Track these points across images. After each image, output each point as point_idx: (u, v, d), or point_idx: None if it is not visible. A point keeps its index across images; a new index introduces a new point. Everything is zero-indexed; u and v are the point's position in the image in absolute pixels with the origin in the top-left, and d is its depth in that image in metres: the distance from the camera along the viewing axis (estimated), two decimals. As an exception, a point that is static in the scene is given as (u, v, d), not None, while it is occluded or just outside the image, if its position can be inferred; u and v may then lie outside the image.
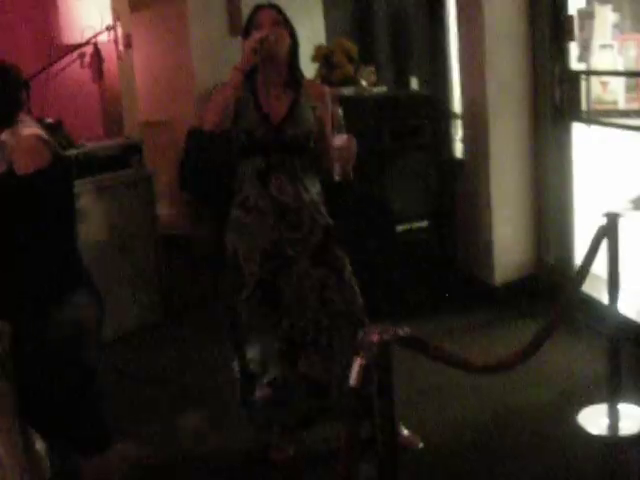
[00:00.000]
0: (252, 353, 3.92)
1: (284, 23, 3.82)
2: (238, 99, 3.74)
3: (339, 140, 3.74)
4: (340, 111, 3.91)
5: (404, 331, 2.59)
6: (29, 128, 3.08)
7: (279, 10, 3.86)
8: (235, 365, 4.05)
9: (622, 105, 5.18)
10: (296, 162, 3.84)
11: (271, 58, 3.78)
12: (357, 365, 2.46)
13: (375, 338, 2.49)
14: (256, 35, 3.71)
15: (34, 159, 2.96)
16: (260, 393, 3.96)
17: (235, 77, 3.72)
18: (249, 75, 3.77)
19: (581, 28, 5.29)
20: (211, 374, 5.16)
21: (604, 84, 5.24)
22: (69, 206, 3.22)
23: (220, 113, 3.73)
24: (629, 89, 5.14)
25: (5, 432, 3.19)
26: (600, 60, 5.21)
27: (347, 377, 2.56)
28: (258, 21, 3.81)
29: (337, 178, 3.81)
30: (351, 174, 3.83)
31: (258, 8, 3.87)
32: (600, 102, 5.29)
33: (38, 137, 3.03)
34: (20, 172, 2.92)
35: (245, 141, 3.81)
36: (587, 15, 5.23)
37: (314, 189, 3.90)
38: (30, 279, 3.03)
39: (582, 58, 5.33)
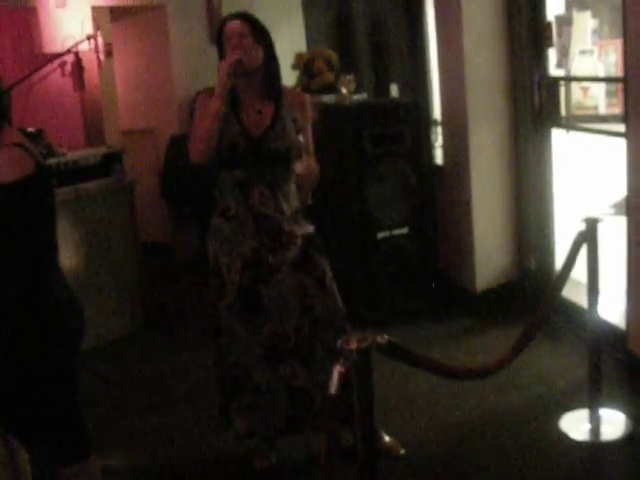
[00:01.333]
0: (235, 359, 3.92)
1: (253, 33, 3.75)
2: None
3: (299, 167, 3.73)
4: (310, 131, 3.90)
5: (383, 338, 2.59)
6: (11, 136, 3.07)
7: (247, 19, 3.79)
8: (217, 372, 4.06)
9: (603, 110, 5.20)
10: (277, 173, 3.82)
11: (246, 76, 3.75)
12: (336, 372, 2.46)
13: (354, 345, 2.49)
14: (228, 59, 3.67)
15: (15, 168, 2.95)
16: (243, 401, 3.96)
17: (216, 105, 3.67)
18: (235, 85, 3.75)
19: (559, 34, 5.31)
20: (193, 381, 5.17)
21: (585, 90, 5.27)
22: (49, 215, 3.21)
23: (206, 144, 3.69)
24: (609, 94, 5.16)
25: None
26: (580, 66, 5.23)
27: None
28: (226, 34, 3.75)
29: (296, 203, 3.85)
30: (309, 200, 3.83)
31: (225, 21, 3.82)
32: (581, 107, 5.31)
33: (20, 146, 3.02)
34: (1, 181, 2.91)
35: (227, 154, 3.78)
36: (565, 21, 5.26)
37: (295, 198, 3.90)
38: (7, 287, 3.01)
39: (560, 64, 5.36)
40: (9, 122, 3.14)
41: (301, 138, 3.87)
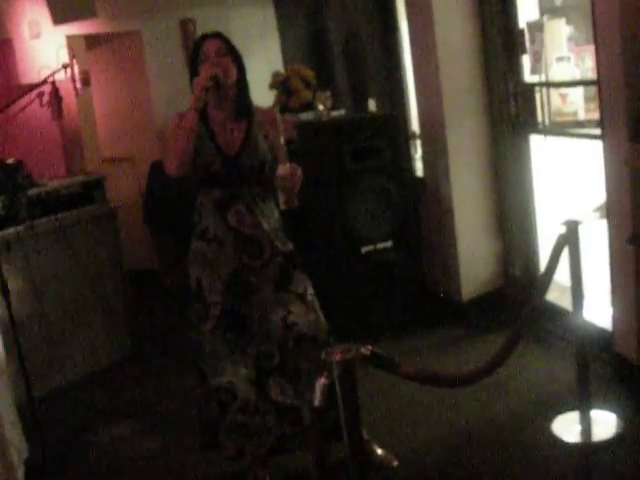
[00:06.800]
0: (220, 381, 3.91)
1: (229, 53, 3.83)
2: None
3: (282, 170, 3.71)
4: (283, 140, 3.87)
5: (367, 349, 2.59)
6: None
7: (224, 39, 3.86)
8: (199, 396, 4.05)
9: (582, 116, 5.21)
10: (254, 191, 3.86)
11: (221, 92, 3.79)
12: (320, 385, 2.46)
13: (338, 357, 2.48)
14: (206, 73, 3.70)
15: None
16: (232, 422, 3.95)
17: (191, 118, 3.70)
18: (201, 110, 3.77)
19: (532, 41, 5.33)
20: (182, 406, 5.13)
21: (563, 96, 5.28)
22: None
23: (182, 158, 3.71)
24: (588, 100, 5.17)
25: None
26: (557, 72, 5.25)
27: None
28: (204, 52, 3.81)
29: (283, 207, 3.80)
30: (296, 202, 3.79)
31: (204, 38, 3.88)
32: (561, 114, 5.32)
33: None
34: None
35: (203, 174, 3.81)
36: (537, 28, 5.28)
37: (273, 215, 3.92)
38: None
39: (534, 70, 5.38)
40: None
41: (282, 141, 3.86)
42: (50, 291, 5.73)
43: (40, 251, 5.65)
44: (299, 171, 3.74)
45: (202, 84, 3.69)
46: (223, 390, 3.91)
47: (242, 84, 3.88)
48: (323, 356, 2.52)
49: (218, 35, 3.88)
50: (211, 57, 3.79)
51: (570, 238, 4.04)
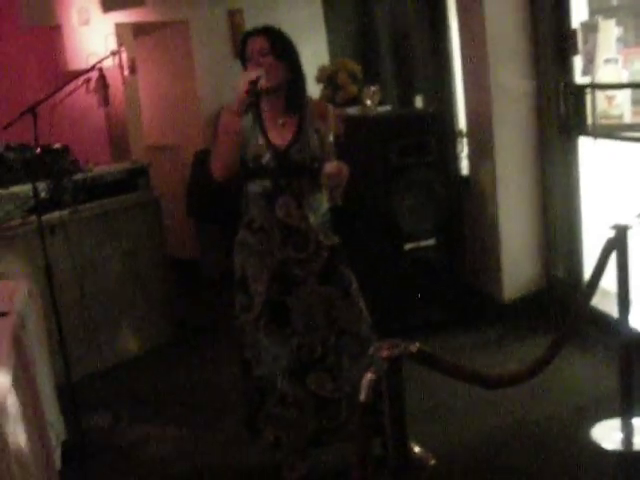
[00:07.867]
0: (261, 371, 3.92)
1: (274, 49, 3.75)
2: (244, 128, 3.75)
3: (328, 167, 3.70)
4: (331, 137, 3.88)
5: (414, 346, 2.57)
6: None
7: (269, 36, 3.78)
8: (243, 385, 4.05)
9: (628, 119, 5.15)
10: (302, 184, 3.83)
11: (267, 92, 3.77)
12: (367, 380, 2.44)
13: (385, 353, 2.47)
14: (246, 78, 3.67)
15: None
16: (270, 411, 3.95)
17: (234, 123, 3.69)
18: (253, 102, 3.75)
19: (585, 41, 5.27)
20: (222, 394, 5.16)
21: (610, 98, 5.22)
22: None
23: (227, 162, 3.73)
24: (635, 103, 5.11)
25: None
26: (605, 74, 5.19)
27: (356, 395, 2.53)
28: (248, 52, 3.77)
29: (326, 204, 3.80)
30: (339, 200, 3.78)
31: (247, 37, 3.82)
32: (606, 117, 5.26)
33: None
34: None
35: (252, 166, 3.80)
36: (591, 28, 5.21)
37: (320, 209, 3.90)
38: None
39: (586, 71, 5.31)
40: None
41: (331, 138, 3.86)
42: (92, 275, 5.77)
43: (83, 236, 5.70)
44: (345, 169, 3.71)
45: (242, 88, 3.65)
46: (263, 380, 3.93)
47: (293, 78, 3.83)
48: (371, 351, 2.50)
49: (263, 31, 3.79)
50: (253, 57, 3.75)
51: (618, 242, 3.98)
